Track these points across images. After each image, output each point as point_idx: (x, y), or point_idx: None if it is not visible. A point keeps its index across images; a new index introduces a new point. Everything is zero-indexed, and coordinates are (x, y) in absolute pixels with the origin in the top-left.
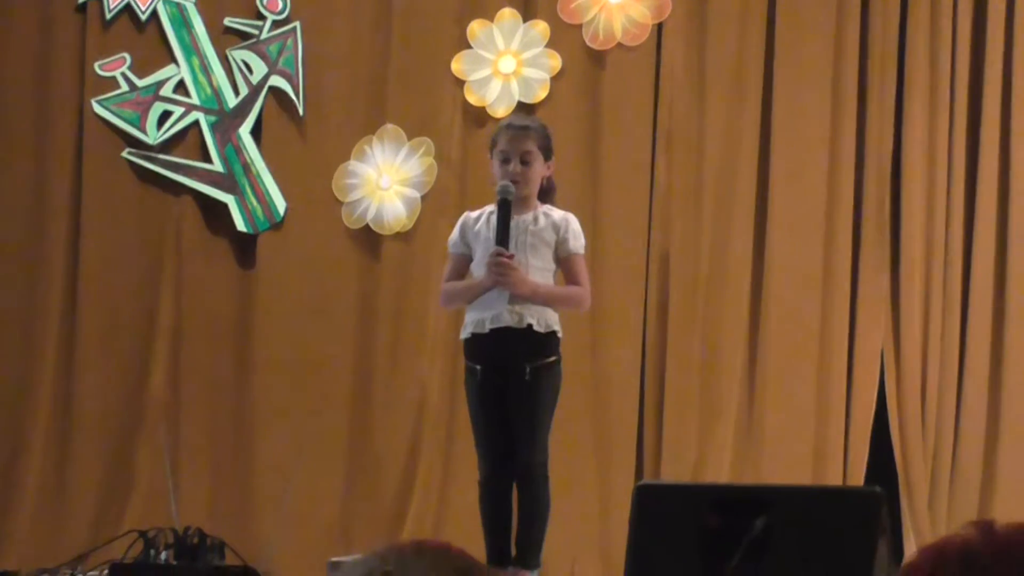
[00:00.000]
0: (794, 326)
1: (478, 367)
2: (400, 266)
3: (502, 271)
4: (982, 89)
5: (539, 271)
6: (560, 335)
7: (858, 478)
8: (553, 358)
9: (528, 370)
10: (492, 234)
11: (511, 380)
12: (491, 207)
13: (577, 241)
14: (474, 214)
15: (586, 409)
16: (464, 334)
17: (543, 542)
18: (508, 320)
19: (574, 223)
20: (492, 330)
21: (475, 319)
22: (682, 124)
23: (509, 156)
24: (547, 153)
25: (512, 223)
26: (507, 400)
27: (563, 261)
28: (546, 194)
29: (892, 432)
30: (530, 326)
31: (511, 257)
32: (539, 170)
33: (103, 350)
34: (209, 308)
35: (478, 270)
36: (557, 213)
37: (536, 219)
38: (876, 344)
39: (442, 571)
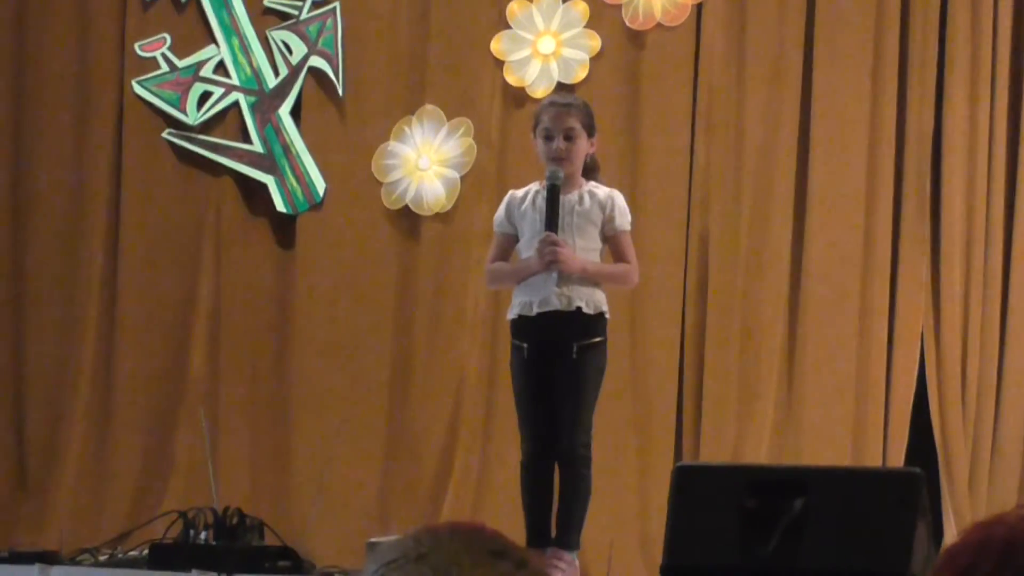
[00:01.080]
0: (834, 307)
1: (525, 345)
2: (439, 247)
3: (552, 252)
4: (1023, 66)
5: (585, 251)
6: (608, 316)
7: (898, 459)
8: (600, 338)
9: (575, 349)
10: (539, 215)
11: (557, 359)
12: (535, 185)
13: (624, 218)
14: (519, 193)
15: (625, 390)
16: (511, 315)
17: (584, 523)
18: (556, 303)
19: (620, 200)
20: (539, 313)
21: (523, 301)
22: (721, 105)
23: (553, 133)
24: (590, 130)
25: (560, 203)
26: (553, 379)
27: (610, 239)
28: (590, 171)
29: (932, 413)
30: (579, 308)
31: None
32: (583, 146)
33: (143, 331)
34: (249, 289)
35: (526, 251)
36: (602, 191)
37: (581, 199)
38: (916, 325)
39: (476, 553)
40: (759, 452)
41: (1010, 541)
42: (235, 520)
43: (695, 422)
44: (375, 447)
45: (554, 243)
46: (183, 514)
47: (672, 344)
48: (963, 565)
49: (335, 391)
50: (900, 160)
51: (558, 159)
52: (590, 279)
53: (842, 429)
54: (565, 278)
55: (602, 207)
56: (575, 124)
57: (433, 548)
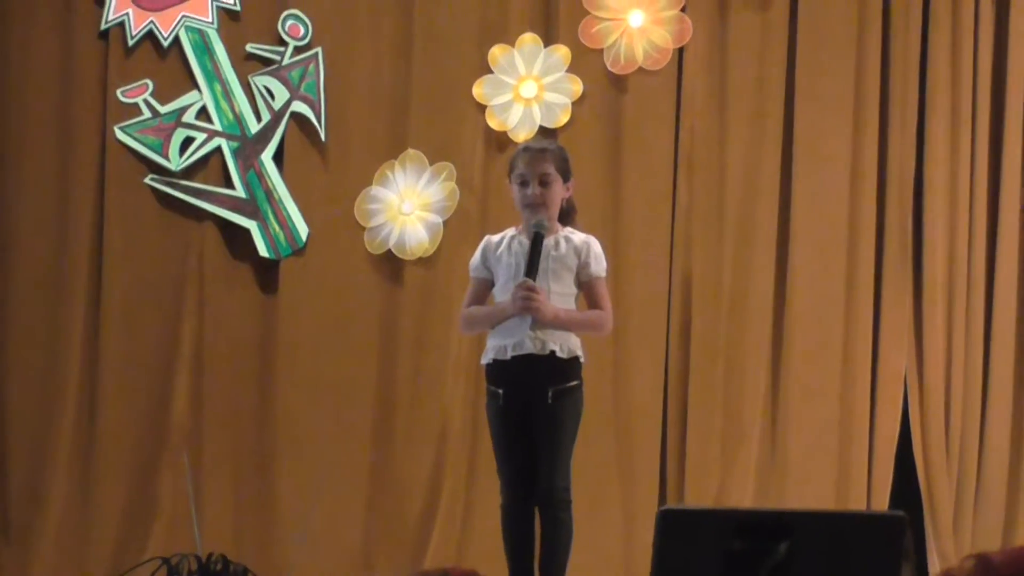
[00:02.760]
0: (817, 348)
1: (500, 391)
2: (422, 291)
3: (529, 299)
4: (1004, 110)
5: (560, 296)
6: (583, 360)
7: (882, 502)
8: (575, 382)
9: (550, 394)
10: (514, 261)
11: (533, 404)
12: (512, 231)
13: (599, 265)
14: (496, 238)
15: (609, 433)
16: (485, 359)
17: (567, 566)
18: (530, 347)
19: (596, 246)
20: (514, 357)
21: (497, 345)
22: (703, 148)
23: (527, 179)
24: (566, 175)
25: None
26: (529, 424)
27: (585, 285)
28: (567, 215)
29: (916, 455)
30: (553, 352)
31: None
32: (558, 192)
33: (126, 375)
34: (231, 333)
35: (501, 295)
36: (578, 237)
37: (557, 244)
38: (899, 367)
39: None
40: (744, 494)
41: None
42: (219, 566)
43: (679, 464)
44: (359, 491)
45: (530, 289)
46: (167, 560)
47: (656, 386)
48: None
49: (319, 435)
50: (882, 201)
51: (534, 205)
52: (562, 327)
53: (826, 471)
54: (539, 322)
55: (577, 253)
56: (550, 169)
57: None
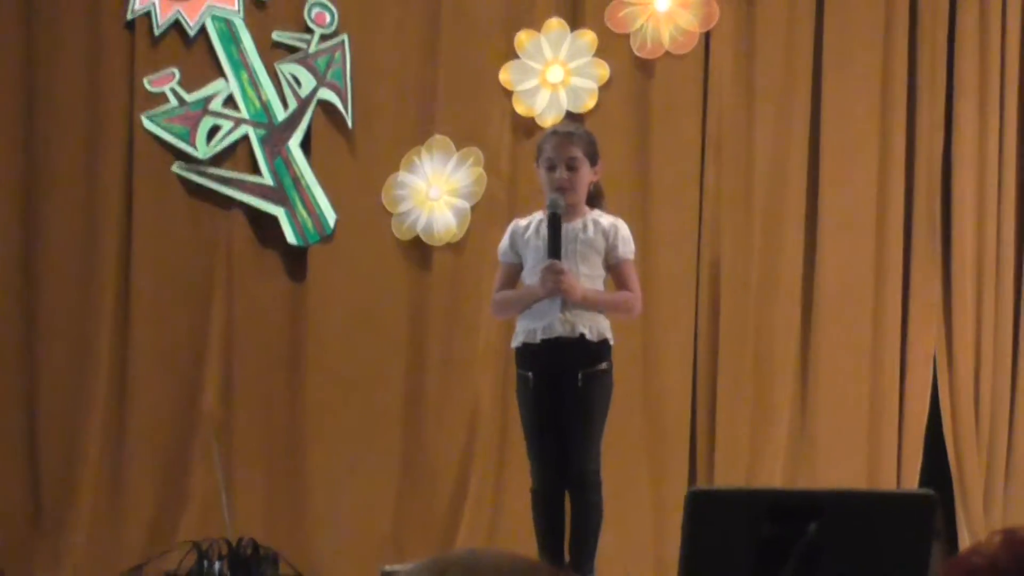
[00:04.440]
0: (846, 331)
1: (530, 374)
2: (451, 276)
3: (556, 279)
4: None
5: (589, 278)
6: (612, 343)
7: (912, 482)
8: (605, 365)
9: (580, 377)
10: (542, 244)
11: (563, 387)
12: (540, 214)
13: (627, 247)
14: (523, 222)
15: (639, 416)
16: (515, 343)
17: (596, 549)
18: (560, 330)
19: (623, 229)
20: (544, 340)
21: (526, 328)
22: (731, 132)
23: (555, 163)
24: (593, 158)
25: (562, 231)
26: (559, 407)
27: (613, 267)
28: (595, 199)
29: (946, 435)
30: (583, 335)
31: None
32: (586, 175)
33: (156, 364)
34: (261, 321)
35: (530, 279)
36: (606, 219)
37: (585, 227)
38: (929, 347)
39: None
40: (773, 475)
41: (993, 570)
42: (249, 551)
43: (708, 447)
44: (389, 477)
45: (558, 271)
46: (197, 545)
47: (685, 369)
48: None
49: (348, 422)
50: (911, 182)
51: (561, 189)
52: (591, 307)
53: (856, 452)
54: (569, 305)
55: (605, 235)
56: (577, 153)
57: (453, 563)
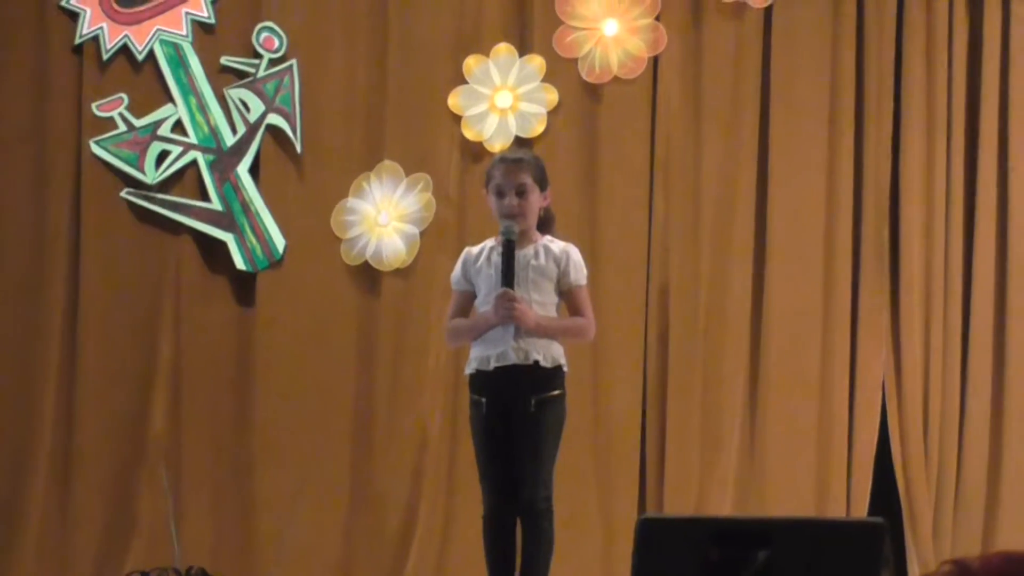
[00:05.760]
0: (795, 357)
1: (483, 400)
2: (400, 302)
3: (509, 308)
4: (979, 117)
5: (541, 305)
6: (566, 369)
7: (861, 509)
8: (558, 391)
9: (533, 403)
10: (494, 271)
11: (515, 413)
12: (491, 241)
13: (579, 273)
14: (475, 249)
15: (588, 443)
16: (469, 369)
17: None
18: (513, 357)
19: (575, 255)
20: (497, 367)
21: (480, 355)
22: (679, 157)
23: (504, 190)
24: (542, 184)
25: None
26: (511, 433)
27: (565, 294)
28: (545, 224)
29: (895, 462)
30: (536, 362)
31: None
32: (536, 201)
33: (104, 390)
34: (209, 347)
35: (483, 307)
36: (557, 245)
37: (537, 253)
38: (877, 374)
39: None
40: (723, 502)
41: None
42: None
43: (659, 474)
44: (338, 503)
45: (511, 299)
46: (146, 574)
47: (634, 396)
48: None
49: (297, 447)
50: (859, 208)
51: (511, 215)
52: (545, 335)
53: (805, 479)
54: (522, 332)
55: (557, 262)
56: (527, 179)
57: None
